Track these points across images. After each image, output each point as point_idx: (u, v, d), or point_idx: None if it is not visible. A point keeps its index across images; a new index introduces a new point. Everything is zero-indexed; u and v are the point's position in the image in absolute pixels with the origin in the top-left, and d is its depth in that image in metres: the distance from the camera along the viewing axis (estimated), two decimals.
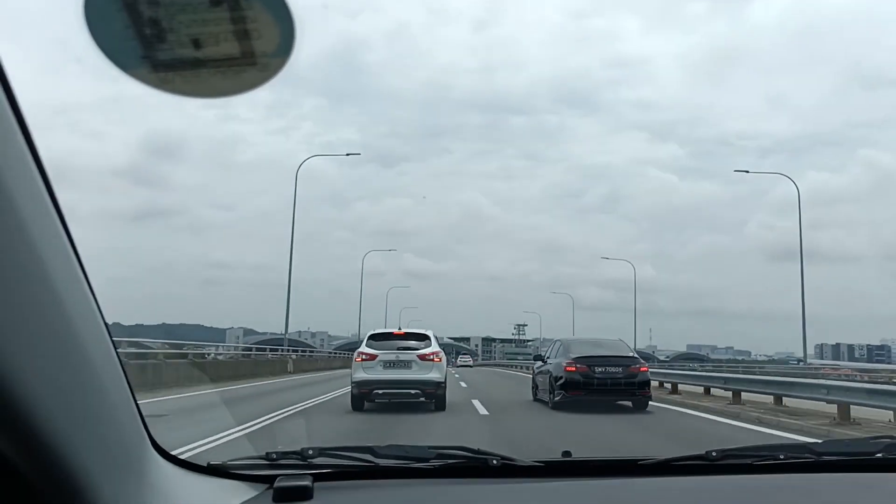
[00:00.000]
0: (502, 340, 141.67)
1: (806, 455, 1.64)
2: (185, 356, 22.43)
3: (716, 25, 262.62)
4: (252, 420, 10.42)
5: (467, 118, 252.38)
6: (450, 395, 13.25)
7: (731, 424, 11.66)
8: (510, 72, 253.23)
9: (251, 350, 36.14)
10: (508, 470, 1.59)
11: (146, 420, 1.24)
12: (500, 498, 1.42)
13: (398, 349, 12.84)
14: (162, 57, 0.81)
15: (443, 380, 12.69)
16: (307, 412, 12.70)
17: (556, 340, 16.18)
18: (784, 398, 13.69)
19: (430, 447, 1.67)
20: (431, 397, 12.47)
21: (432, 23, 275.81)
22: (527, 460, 1.62)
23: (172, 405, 12.71)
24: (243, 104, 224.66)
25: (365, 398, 12.38)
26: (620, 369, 13.12)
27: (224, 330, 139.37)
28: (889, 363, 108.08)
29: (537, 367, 15.87)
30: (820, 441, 2.18)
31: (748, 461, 1.63)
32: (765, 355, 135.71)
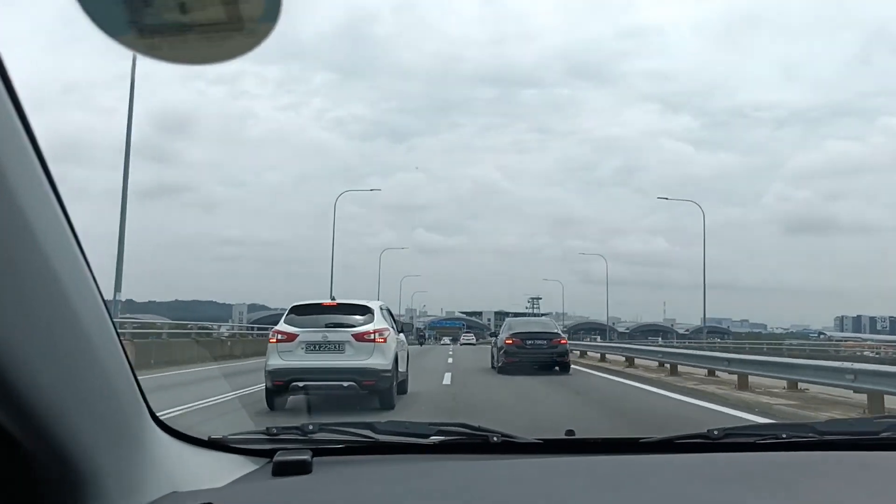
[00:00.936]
0: (515, 314, 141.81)
1: (809, 434, 1.65)
2: (188, 335, 22.72)
3: None
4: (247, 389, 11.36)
5: (478, 92, 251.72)
6: (427, 369, 13.41)
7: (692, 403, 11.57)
8: (520, 43, 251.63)
9: (253, 328, 36.35)
10: (509, 447, 1.61)
11: (146, 394, 1.26)
12: (501, 474, 1.43)
13: (327, 326, 9.68)
14: (148, 21, 0.81)
15: (389, 367, 9.58)
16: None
17: (506, 320, 21.32)
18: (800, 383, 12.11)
19: (430, 423, 1.69)
20: (373, 391, 9.45)
21: None
22: (528, 437, 1.64)
23: (175, 379, 13.44)
24: (253, 80, 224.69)
25: (282, 392, 9.41)
26: (545, 342, 17.79)
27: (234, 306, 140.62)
28: None
29: (493, 342, 20.59)
30: (822, 420, 2.19)
31: (751, 440, 1.64)
32: (781, 328, 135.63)
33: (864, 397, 9.70)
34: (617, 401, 12.19)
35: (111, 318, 1.11)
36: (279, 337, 9.64)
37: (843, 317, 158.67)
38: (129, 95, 20.54)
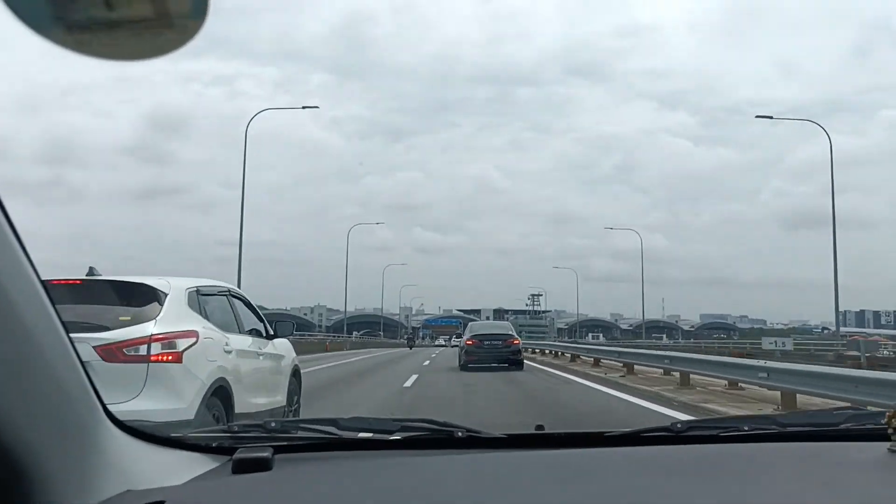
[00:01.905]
0: (515, 312, 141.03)
1: (771, 426, 1.68)
2: None
3: None
4: None
5: (475, 91, 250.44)
6: (398, 367, 14.53)
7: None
8: (517, 42, 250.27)
9: None
10: (474, 442, 1.62)
11: (100, 393, 1.27)
12: (466, 468, 1.43)
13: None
14: (75, 17, 0.83)
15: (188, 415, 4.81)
16: None
17: (469, 324, 24.67)
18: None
19: (394, 419, 1.69)
20: None
21: None
22: (493, 433, 1.64)
23: None
24: (251, 81, 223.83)
25: None
26: (500, 342, 20.48)
27: None
28: None
29: (459, 342, 23.57)
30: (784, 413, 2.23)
31: (713, 433, 1.66)
32: (781, 324, 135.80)
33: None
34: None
35: (58, 315, 1.12)
36: None
37: (846, 311, 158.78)
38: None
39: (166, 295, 5.22)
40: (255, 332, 6.56)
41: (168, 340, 4.91)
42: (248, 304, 6.80)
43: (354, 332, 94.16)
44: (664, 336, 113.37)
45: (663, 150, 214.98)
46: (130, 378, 4.65)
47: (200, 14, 0.84)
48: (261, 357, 6.40)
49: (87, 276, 5.26)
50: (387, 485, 1.33)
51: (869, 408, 1.83)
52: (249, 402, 5.84)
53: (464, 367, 20.09)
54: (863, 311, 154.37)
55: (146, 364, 4.75)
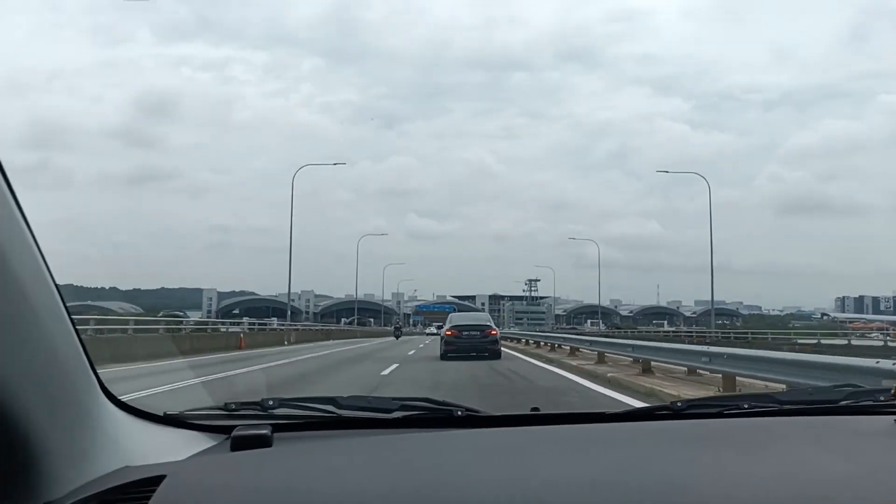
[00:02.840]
0: (511, 298, 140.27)
1: (770, 404, 1.71)
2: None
3: None
4: None
5: (468, 76, 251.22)
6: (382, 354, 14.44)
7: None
8: (510, 27, 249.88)
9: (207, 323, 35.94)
10: (473, 421, 1.64)
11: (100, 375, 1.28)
12: (465, 445, 1.45)
13: None
14: None
15: None
16: None
17: (449, 315, 25.11)
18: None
19: (393, 398, 1.71)
20: None
21: None
22: (492, 412, 1.67)
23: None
24: (241, 65, 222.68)
25: None
26: (479, 332, 21.52)
27: (225, 293, 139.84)
28: None
29: (441, 333, 24.09)
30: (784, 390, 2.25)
31: (714, 410, 1.69)
32: (776, 310, 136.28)
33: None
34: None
35: (59, 293, 1.13)
36: None
37: (844, 297, 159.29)
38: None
39: None
40: None
41: None
42: None
43: (343, 319, 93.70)
44: (665, 323, 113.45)
45: (656, 137, 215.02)
46: None
47: None
48: None
49: None
50: (385, 460, 1.35)
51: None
52: None
53: (444, 357, 20.83)
54: (861, 297, 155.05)
55: None
